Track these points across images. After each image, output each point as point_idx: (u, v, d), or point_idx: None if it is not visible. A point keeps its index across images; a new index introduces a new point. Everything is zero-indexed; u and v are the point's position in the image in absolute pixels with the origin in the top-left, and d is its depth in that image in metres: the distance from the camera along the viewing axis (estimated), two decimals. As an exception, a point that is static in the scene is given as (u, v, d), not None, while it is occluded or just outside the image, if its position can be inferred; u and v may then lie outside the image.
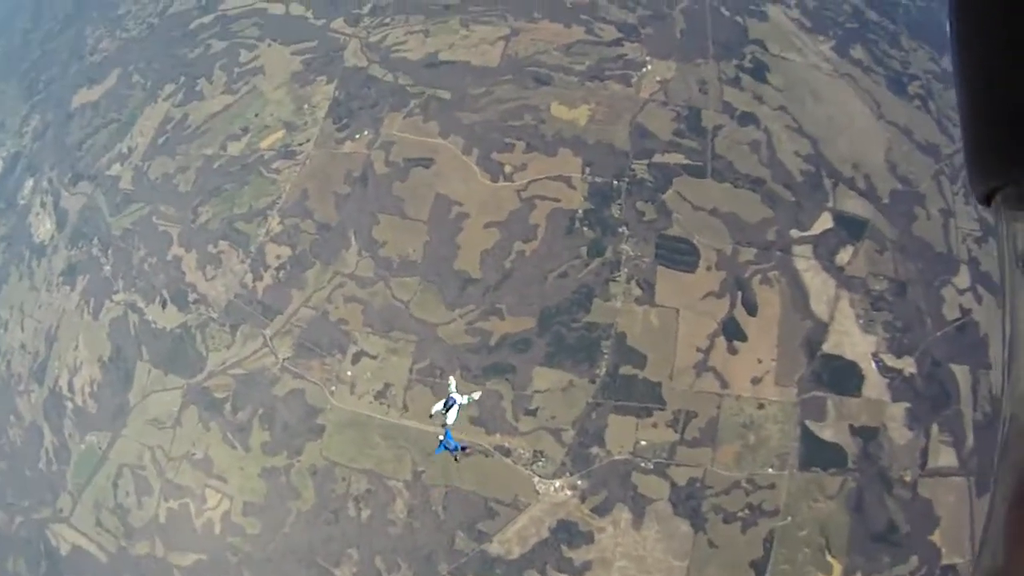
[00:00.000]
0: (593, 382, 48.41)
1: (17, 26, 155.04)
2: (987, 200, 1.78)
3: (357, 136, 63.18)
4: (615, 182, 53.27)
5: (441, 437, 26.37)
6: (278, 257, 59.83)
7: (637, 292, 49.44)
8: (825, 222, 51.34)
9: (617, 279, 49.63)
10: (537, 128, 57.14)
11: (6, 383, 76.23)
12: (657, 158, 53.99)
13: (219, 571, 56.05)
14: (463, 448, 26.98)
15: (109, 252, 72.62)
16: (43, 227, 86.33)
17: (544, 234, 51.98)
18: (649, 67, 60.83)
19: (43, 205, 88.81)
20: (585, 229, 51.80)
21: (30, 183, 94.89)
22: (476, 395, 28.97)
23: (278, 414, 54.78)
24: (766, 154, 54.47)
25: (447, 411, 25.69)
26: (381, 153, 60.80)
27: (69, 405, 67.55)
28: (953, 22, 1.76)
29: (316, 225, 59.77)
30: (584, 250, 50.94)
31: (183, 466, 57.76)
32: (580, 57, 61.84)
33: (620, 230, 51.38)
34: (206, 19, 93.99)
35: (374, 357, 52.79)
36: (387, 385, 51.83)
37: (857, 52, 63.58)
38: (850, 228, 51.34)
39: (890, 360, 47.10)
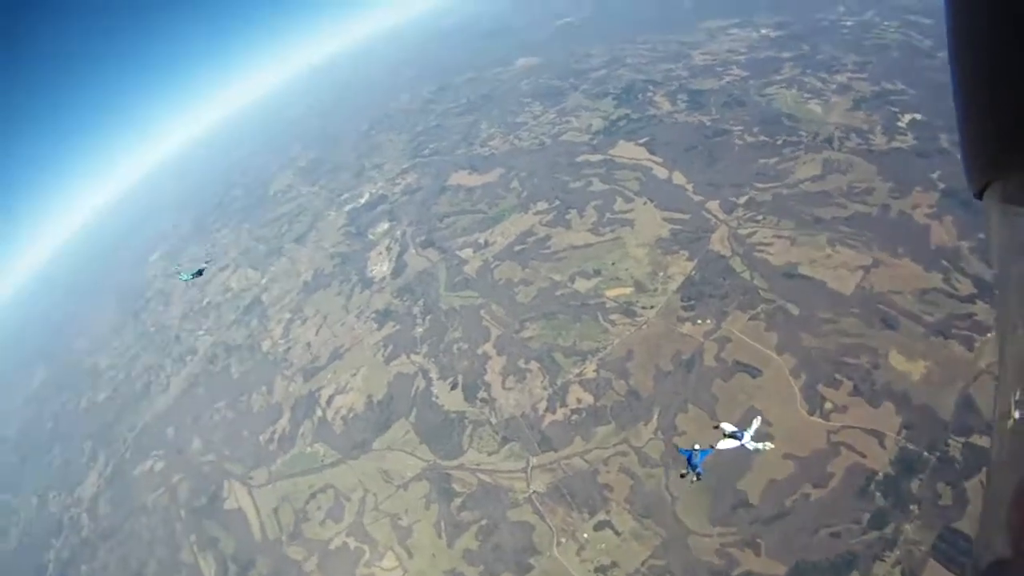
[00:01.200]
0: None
1: (423, 92, 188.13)
2: (980, 194, 1.77)
3: (699, 321, 63.13)
4: (926, 453, 47.43)
5: (698, 446, 25.11)
6: (579, 400, 60.85)
7: None
8: None
9: (885, 559, 43.05)
10: (870, 372, 53.78)
11: (278, 361, 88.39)
12: (975, 438, 47.45)
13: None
14: (698, 474, 24.69)
15: (427, 318, 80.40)
16: (380, 267, 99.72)
17: (837, 484, 47.67)
18: (994, 333, 50.86)
19: (388, 249, 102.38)
20: (878, 495, 46.27)
21: (385, 226, 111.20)
22: (767, 446, 26.29)
23: (498, 534, 54.80)
24: None
25: (730, 437, 25.08)
26: (715, 346, 60.19)
27: (318, 412, 74.96)
28: (949, 18, 1.77)
29: (627, 389, 60.09)
30: (867, 516, 45.21)
31: (383, 521, 60.43)
32: (931, 307, 57.47)
33: (911, 507, 44.95)
34: (594, 157, 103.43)
35: (618, 533, 50.96)
36: (614, 563, 49.47)
37: None
38: None
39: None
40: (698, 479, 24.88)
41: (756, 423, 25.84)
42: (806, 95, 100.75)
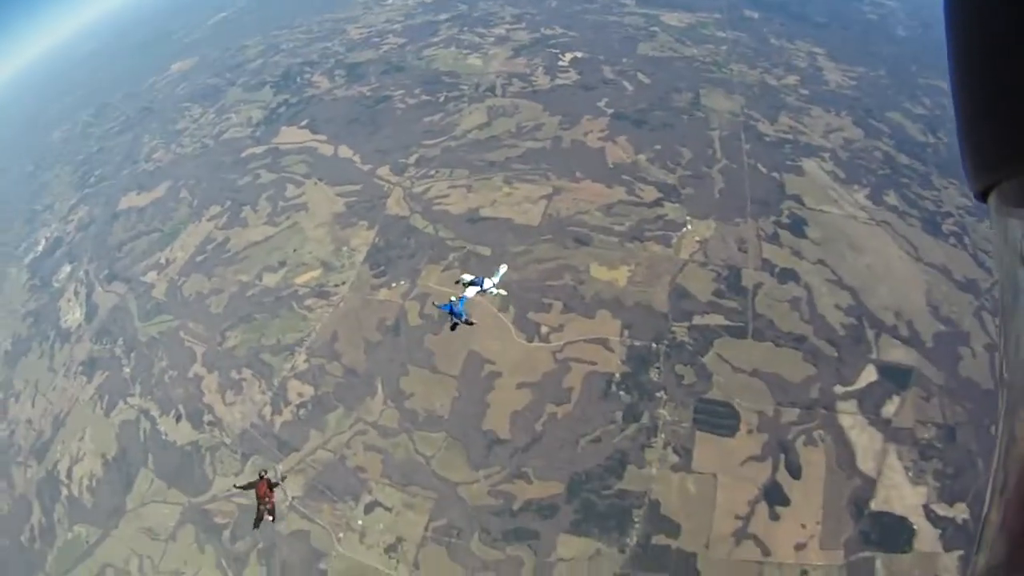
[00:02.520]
0: (623, 551, 45.50)
1: (80, 117, 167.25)
2: (983, 196, 1.74)
3: (393, 284, 63.57)
4: (654, 345, 52.47)
5: (455, 298, 25.24)
6: (300, 395, 59.18)
7: (674, 458, 47.19)
8: (870, 375, 49.73)
9: (653, 445, 47.55)
10: (576, 289, 57.23)
11: (5, 450, 76.25)
12: (697, 320, 53.63)
13: None
14: (468, 322, 25.54)
15: (132, 355, 73.42)
16: (72, 315, 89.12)
17: (578, 397, 50.71)
18: (689, 227, 61.51)
19: (76, 294, 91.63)
20: (622, 393, 50.44)
21: (67, 269, 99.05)
22: (502, 292, 27.24)
23: (278, 551, 52.53)
24: (807, 309, 53.77)
25: (470, 285, 25.70)
26: (416, 304, 60.98)
27: (64, 491, 66.63)
28: (947, 20, 1.74)
29: (343, 369, 59.30)
30: (620, 415, 49.27)
31: (169, 581, 56.42)
32: (621, 218, 62.92)
33: (658, 394, 49.96)
34: (258, 149, 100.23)
35: (389, 509, 50.66)
36: (399, 539, 49.26)
37: (891, 198, 64.08)
38: (895, 378, 49.56)
39: (941, 509, 43.97)
40: (469, 324, 25.68)
41: (502, 270, 26.79)
42: (465, 51, 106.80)
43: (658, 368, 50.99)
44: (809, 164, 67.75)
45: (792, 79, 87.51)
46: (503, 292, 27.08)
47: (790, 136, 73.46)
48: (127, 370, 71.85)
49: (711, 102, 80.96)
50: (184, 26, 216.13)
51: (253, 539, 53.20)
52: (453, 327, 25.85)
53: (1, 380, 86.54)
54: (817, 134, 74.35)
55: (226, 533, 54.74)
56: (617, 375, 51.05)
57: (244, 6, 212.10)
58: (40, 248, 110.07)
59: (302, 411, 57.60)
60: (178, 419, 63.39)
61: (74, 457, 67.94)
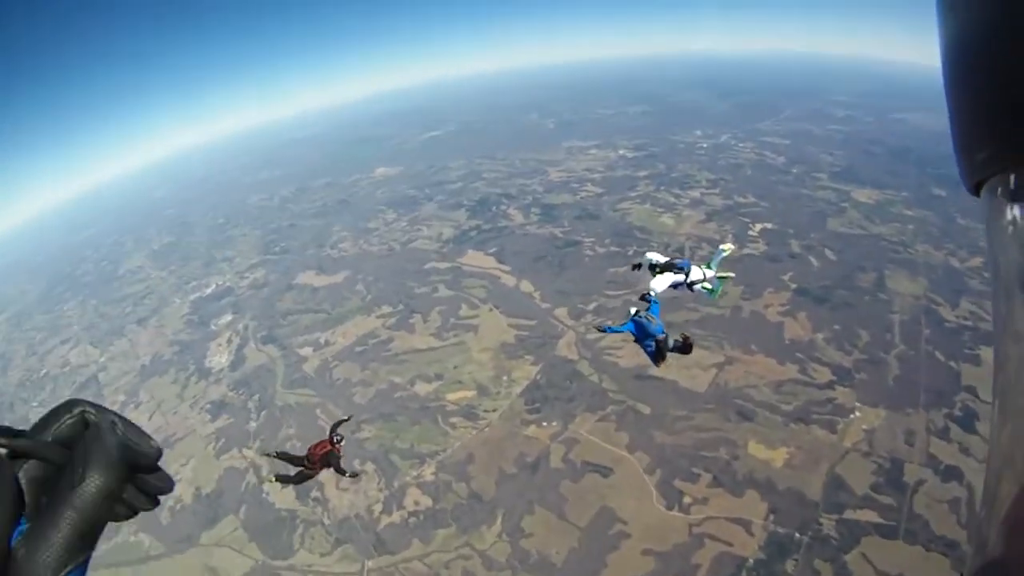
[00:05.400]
0: None
1: (280, 191, 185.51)
2: (976, 190, 1.69)
3: (544, 424, 63.14)
4: (797, 535, 48.62)
5: (633, 309, 16.22)
6: (416, 503, 58.25)
7: None
8: None
9: None
10: (729, 464, 55.09)
11: None
12: (848, 513, 49.64)
13: None
14: (667, 342, 15.58)
15: (263, 413, 75.40)
16: (219, 358, 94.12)
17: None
18: (857, 413, 58.76)
19: (229, 341, 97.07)
20: None
21: (228, 317, 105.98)
22: (728, 275, 18.06)
23: None
24: (966, 512, 48.53)
25: (663, 271, 16.93)
26: (562, 448, 60.04)
27: None
28: (940, 12, 1.69)
29: (469, 492, 58.22)
30: None
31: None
32: (789, 396, 60.88)
33: None
34: (442, 265, 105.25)
35: None
36: None
37: None
38: None
39: None
40: (676, 347, 15.70)
41: (726, 249, 18.16)
42: (659, 209, 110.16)
43: (795, 560, 46.97)
44: (987, 353, 63.02)
45: (976, 261, 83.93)
46: (730, 275, 18.04)
47: (970, 323, 69.74)
48: (253, 424, 74.04)
49: (895, 284, 79.23)
50: (396, 135, 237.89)
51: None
52: (658, 355, 15.62)
53: (129, 387, 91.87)
54: (998, 321, 70.94)
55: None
56: (751, 560, 47.25)
57: (454, 130, 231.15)
58: (209, 291, 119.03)
59: (412, 519, 56.53)
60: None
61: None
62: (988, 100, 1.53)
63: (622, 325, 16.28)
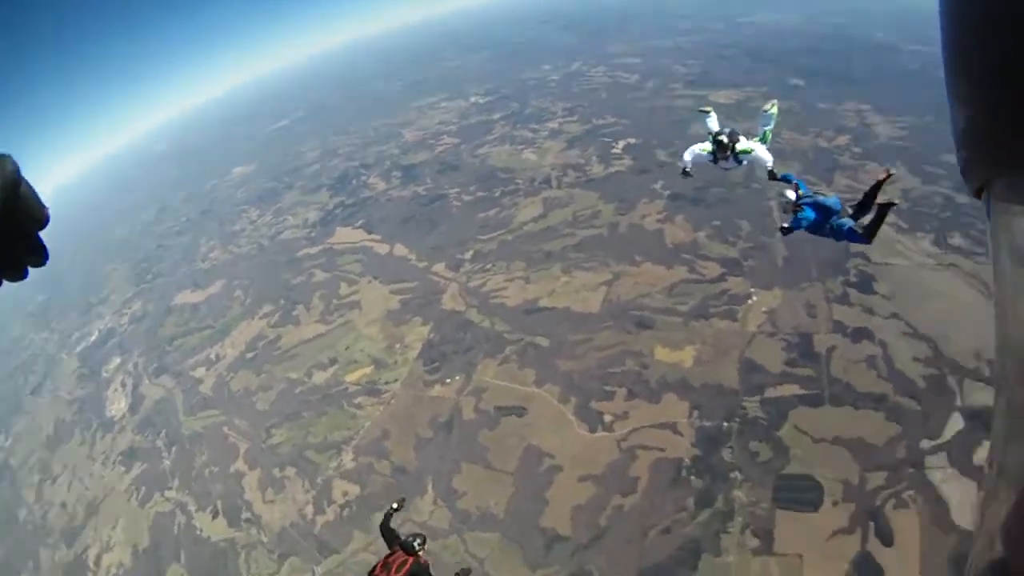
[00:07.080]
0: (699, 649, 41.38)
1: (141, 217, 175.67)
2: (978, 193, 1.71)
3: (447, 380, 62.54)
4: (725, 424, 49.90)
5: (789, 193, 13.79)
6: (345, 494, 57.04)
7: (753, 542, 43.08)
8: (956, 424, 46.03)
9: (730, 530, 43.79)
10: (640, 374, 55.61)
11: (37, 530, 74.62)
12: (769, 392, 51.23)
13: None
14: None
15: (173, 448, 72.78)
16: (117, 405, 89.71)
17: (646, 487, 47.70)
18: (754, 298, 60.38)
19: (123, 385, 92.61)
20: (693, 478, 47.29)
21: (117, 361, 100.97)
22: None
23: None
24: (884, 366, 50.99)
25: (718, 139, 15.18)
26: (471, 399, 59.58)
27: None
28: (943, 15, 1.70)
29: (392, 467, 57.45)
30: (691, 501, 45.89)
31: None
32: (684, 297, 62.05)
33: (732, 475, 46.64)
34: (313, 249, 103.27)
35: None
36: None
37: (956, 239, 62.40)
38: (984, 421, 45.00)
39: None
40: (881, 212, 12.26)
41: (773, 107, 16.70)
42: (519, 146, 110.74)
43: (731, 448, 48.12)
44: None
45: (843, 139, 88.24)
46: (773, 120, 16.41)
47: (848, 194, 73.40)
48: (167, 463, 71.17)
49: (766, 173, 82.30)
50: (247, 131, 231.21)
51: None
52: (870, 231, 12.42)
53: (40, 463, 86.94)
54: (874, 188, 74.92)
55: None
56: (687, 460, 48.14)
57: (302, 116, 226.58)
58: (93, 338, 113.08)
59: (346, 511, 55.27)
60: (215, 515, 61.28)
61: (104, 545, 65.89)
62: (992, 103, 1.54)
63: (798, 216, 13.18)
